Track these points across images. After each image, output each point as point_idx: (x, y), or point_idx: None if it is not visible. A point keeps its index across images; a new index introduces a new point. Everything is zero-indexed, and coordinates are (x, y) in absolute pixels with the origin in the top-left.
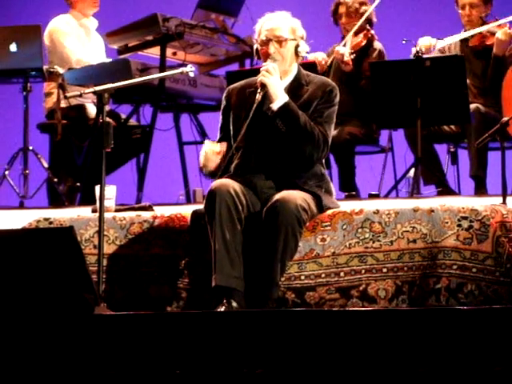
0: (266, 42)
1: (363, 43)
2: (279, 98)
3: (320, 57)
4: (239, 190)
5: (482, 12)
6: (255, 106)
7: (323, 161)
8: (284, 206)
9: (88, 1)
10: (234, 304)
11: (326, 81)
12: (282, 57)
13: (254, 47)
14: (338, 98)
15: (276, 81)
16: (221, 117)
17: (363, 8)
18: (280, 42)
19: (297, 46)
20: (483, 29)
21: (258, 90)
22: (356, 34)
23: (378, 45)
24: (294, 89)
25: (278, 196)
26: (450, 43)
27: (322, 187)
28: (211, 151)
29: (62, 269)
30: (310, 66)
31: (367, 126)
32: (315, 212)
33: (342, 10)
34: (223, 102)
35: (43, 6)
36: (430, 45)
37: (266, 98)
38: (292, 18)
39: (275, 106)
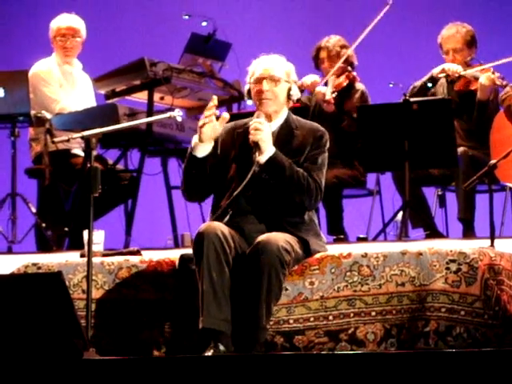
0: (259, 80)
1: (345, 83)
2: (266, 151)
3: (312, 78)
4: (227, 232)
5: (467, 56)
6: (254, 168)
7: None
8: (265, 247)
9: (59, 49)
10: (222, 347)
11: (316, 126)
12: (274, 96)
13: (246, 88)
14: (328, 144)
15: (266, 135)
16: None
17: (344, 51)
18: (274, 80)
19: (289, 90)
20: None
21: (253, 150)
22: (338, 75)
23: (360, 86)
24: (284, 133)
25: (260, 238)
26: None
27: (309, 231)
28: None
29: (50, 314)
30: (299, 110)
31: (354, 168)
32: (300, 254)
33: (323, 54)
34: None
35: (31, 50)
36: (457, 70)
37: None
38: (287, 62)
39: (262, 159)
